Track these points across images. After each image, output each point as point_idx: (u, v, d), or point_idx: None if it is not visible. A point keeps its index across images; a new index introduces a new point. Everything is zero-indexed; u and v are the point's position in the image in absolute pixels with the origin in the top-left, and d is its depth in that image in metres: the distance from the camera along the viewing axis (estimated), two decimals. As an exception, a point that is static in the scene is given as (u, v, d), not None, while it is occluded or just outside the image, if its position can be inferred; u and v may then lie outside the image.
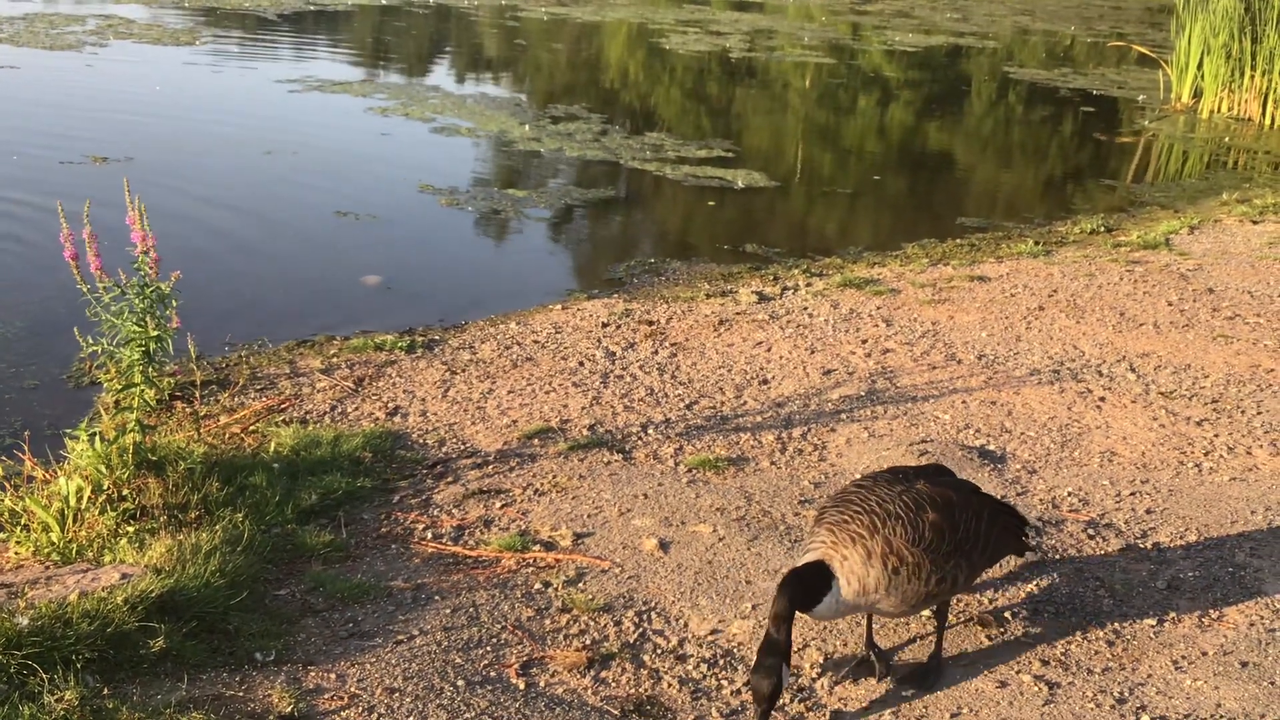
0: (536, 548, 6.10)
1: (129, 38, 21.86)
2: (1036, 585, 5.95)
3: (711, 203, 14.18)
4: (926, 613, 5.40)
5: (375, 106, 17.84)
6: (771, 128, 19.70)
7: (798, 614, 4.64)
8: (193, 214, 11.79)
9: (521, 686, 4.91)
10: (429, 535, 6.21)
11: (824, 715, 4.89)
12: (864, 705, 4.96)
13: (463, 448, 7.28)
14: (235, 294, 9.93)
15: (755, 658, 4.61)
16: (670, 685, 5.02)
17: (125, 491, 5.84)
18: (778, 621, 4.57)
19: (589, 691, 4.93)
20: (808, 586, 4.69)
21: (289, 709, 4.50)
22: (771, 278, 11.21)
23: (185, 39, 22.38)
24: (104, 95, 17.20)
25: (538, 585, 5.75)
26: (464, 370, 8.48)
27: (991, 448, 7.56)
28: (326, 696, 4.65)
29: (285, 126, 16.46)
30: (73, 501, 5.70)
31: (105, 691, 4.37)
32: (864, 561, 4.73)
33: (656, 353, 8.96)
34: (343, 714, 4.53)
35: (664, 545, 6.14)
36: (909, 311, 10.12)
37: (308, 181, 13.72)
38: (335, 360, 8.57)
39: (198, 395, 7.61)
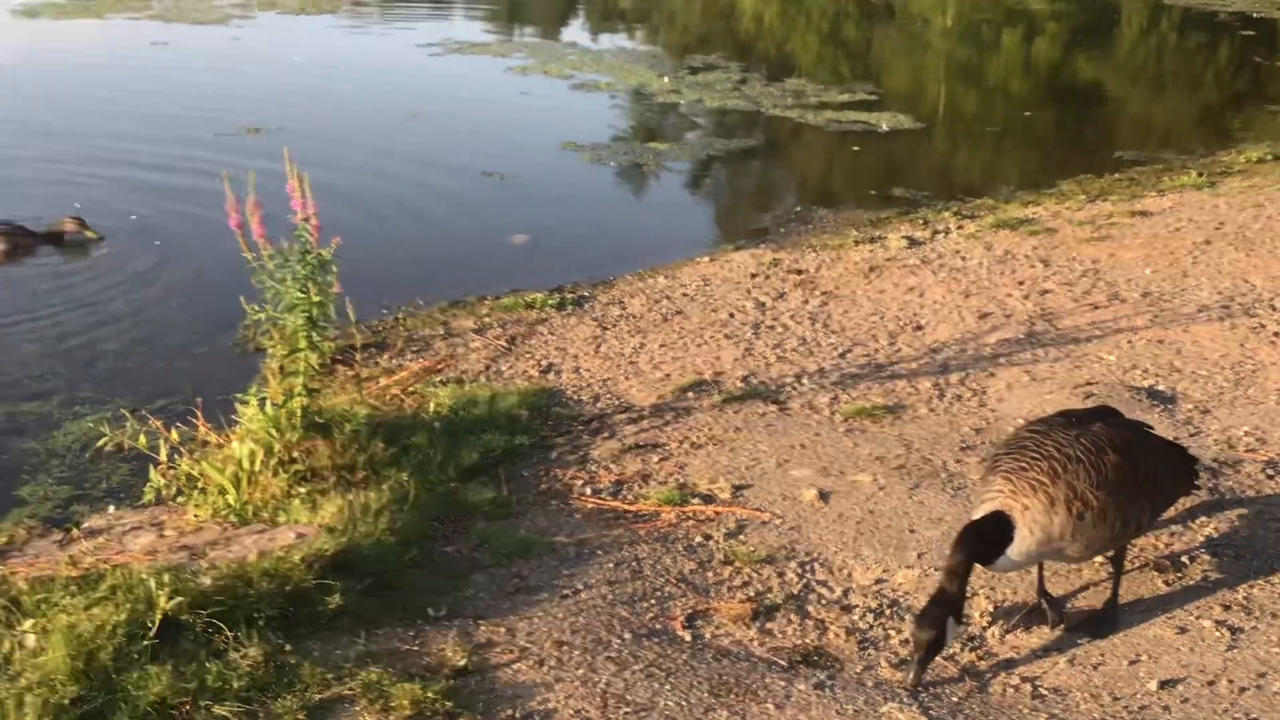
0: (695, 501, 6.10)
1: (273, 8, 22.32)
2: (1214, 528, 5.75)
3: (856, 147, 13.96)
4: (1099, 559, 5.26)
5: (514, 66, 17.94)
6: (913, 68, 19.30)
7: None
8: (344, 181, 12.01)
9: (688, 638, 4.92)
10: (588, 490, 6.26)
11: (996, 663, 4.81)
12: (1037, 653, 4.86)
13: (617, 403, 7.32)
14: (388, 258, 10.10)
15: (922, 608, 4.55)
16: (837, 635, 4.98)
17: (295, 454, 5.99)
18: (952, 575, 4.49)
19: (755, 642, 4.92)
20: (987, 539, 4.59)
21: (463, 662, 4.58)
22: (921, 221, 11.01)
23: (328, 6, 22.78)
24: (253, 67, 17.61)
25: (698, 538, 5.75)
26: (615, 325, 8.51)
27: (1161, 388, 7.32)
28: (498, 650, 4.73)
29: (428, 90, 16.67)
30: (246, 465, 5.87)
31: (287, 648, 4.50)
32: (1047, 509, 4.61)
33: (807, 302, 8.87)
34: (514, 667, 4.60)
35: (824, 495, 6.09)
36: (1067, 250, 9.84)
37: (453, 144, 13.89)
38: (488, 320, 8.67)
39: (358, 358, 7.77)
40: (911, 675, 4.55)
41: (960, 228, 10.65)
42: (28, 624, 4.39)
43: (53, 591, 4.57)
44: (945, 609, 4.48)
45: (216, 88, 16.18)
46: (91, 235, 10.07)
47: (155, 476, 6.04)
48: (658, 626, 5.01)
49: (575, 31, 22.58)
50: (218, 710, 4.12)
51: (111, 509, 6.21)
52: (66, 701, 4.02)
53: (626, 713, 4.32)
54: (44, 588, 4.63)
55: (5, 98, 15.36)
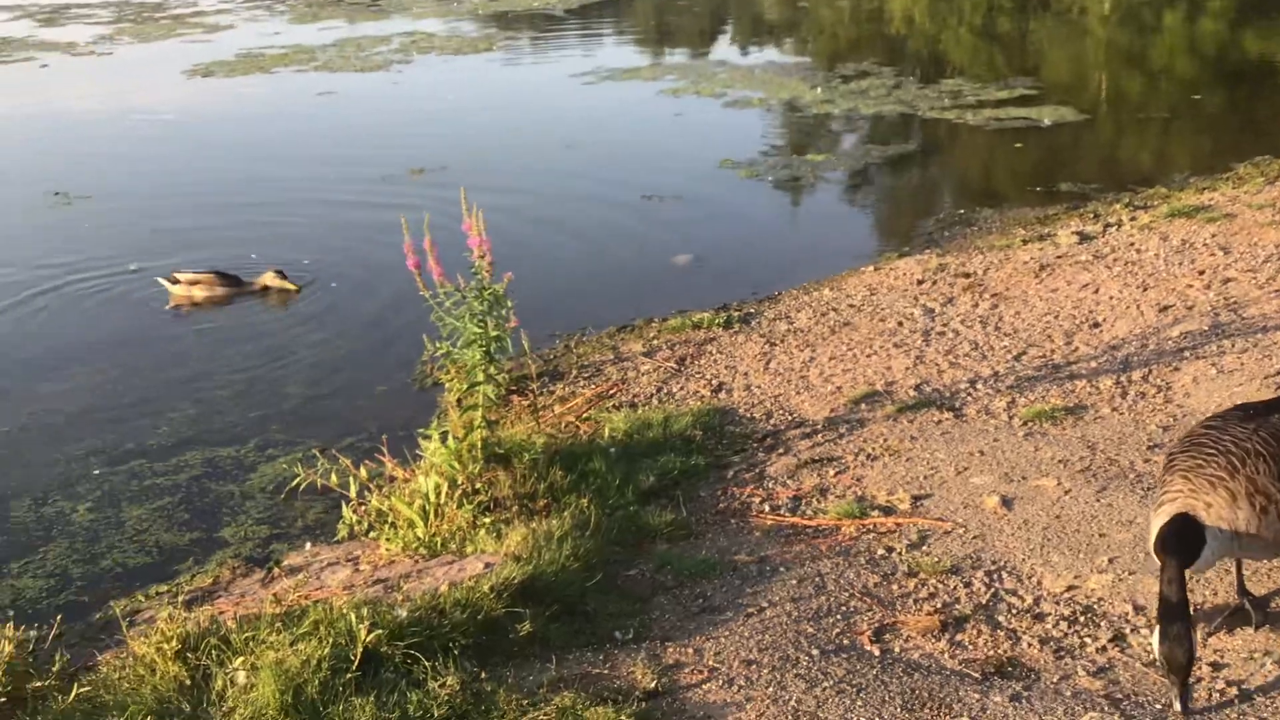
0: (875, 513, 6.06)
1: (431, 50, 22.92)
2: None
3: (1018, 144, 13.69)
4: (1303, 556, 5.05)
5: (666, 88, 18.09)
6: (1073, 58, 18.84)
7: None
8: (507, 214, 12.25)
9: (876, 653, 4.89)
10: (766, 508, 6.27)
11: (1201, 668, 4.66)
12: (1245, 656, 4.69)
13: (790, 418, 7.31)
14: (556, 287, 10.28)
15: (1159, 628, 4.32)
16: (1030, 645, 4.89)
17: (478, 485, 6.14)
18: (1172, 585, 4.32)
19: (945, 655, 4.86)
20: (1186, 541, 4.45)
21: (652, 684, 4.63)
22: (1091, 215, 10.74)
23: (483, 46, 23.29)
24: (413, 109, 18.12)
25: (880, 551, 5.71)
26: (782, 341, 8.50)
27: (1358, 374, 7.01)
28: (686, 671, 4.77)
29: (584, 118, 16.92)
30: (432, 498, 6.04)
31: (482, 675, 4.61)
32: (1229, 504, 4.46)
33: (977, 305, 8.73)
34: (704, 687, 4.64)
35: (1006, 502, 5.98)
36: (1248, 236, 9.49)
37: (611, 169, 14.07)
38: (656, 342, 8.75)
39: (534, 388, 7.93)
40: (1178, 702, 4.32)
41: (1133, 219, 10.36)
42: (238, 661, 4.59)
43: (259, 629, 4.77)
44: (1183, 622, 4.27)
45: (381, 132, 16.70)
46: (291, 288, 10.45)
47: (347, 513, 6.27)
48: (845, 642, 4.99)
49: (724, 49, 22.65)
50: (419, 739, 4.24)
51: (308, 546, 6.45)
52: (278, 734, 4.19)
53: (819, 730, 4.31)
54: (251, 625, 4.83)
55: (181, 151, 16.10)
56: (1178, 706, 4.33)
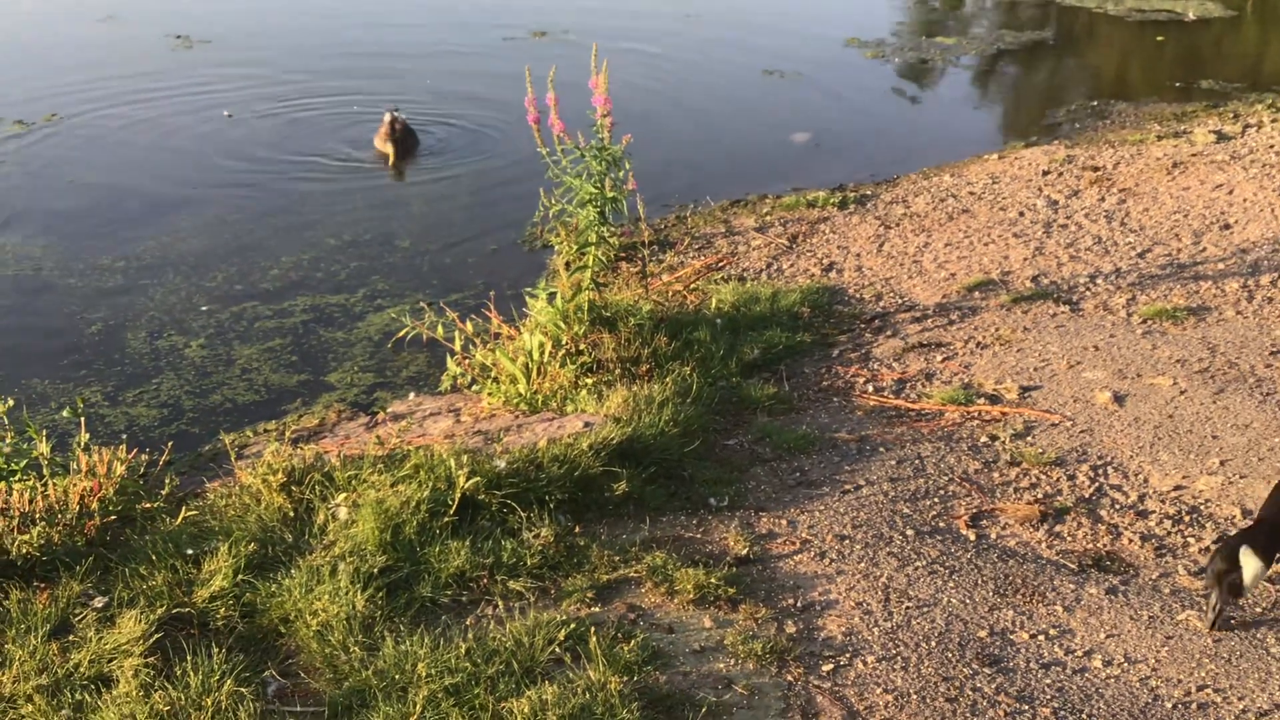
0: (980, 401, 5.96)
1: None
2: None
3: (1159, 38, 13.14)
4: None
5: (797, -39, 17.62)
6: (1225, -49, 17.95)
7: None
8: (627, 82, 12.11)
9: (971, 538, 4.84)
10: (870, 389, 6.20)
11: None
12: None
13: (900, 302, 7.19)
14: (670, 155, 10.16)
15: (1226, 539, 4.21)
16: (1131, 541, 4.80)
17: (581, 346, 6.15)
18: (1270, 505, 4.16)
19: (1043, 544, 4.79)
20: None
21: (744, 551, 4.64)
22: (1231, 115, 10.31)
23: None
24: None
25: (983, 438, 5.63)
26: (898, 225, 8.34)
27: None
28: (779, 541, 4.76)
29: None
30: (535, 356, 6.06)
31: (576, 529, 4.66)
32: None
33: (1103, 200, 8.46)
34: (795, 558, 4.63)
35: (1118, 398, 5.84)
36: (1397, 144, 9.05)
37: (734, 41, 13.80)
38: (768, 218, 8.64)
39: (645, 254, 7.88)
40: (1210, 614, 4.16)
41: (1275, 121, 9.92)
42: (340, 498, 4.68)
43: (362, 469, 4.85)
44: (1250, 541, 4.04)
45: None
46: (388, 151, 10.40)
47: (452, 366, 6.33)
48: (940, 525, 4.94)
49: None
50: (513, 585, 4.30)
51: (411, 395, 6.54)
52: (375, 570, 4.28)
53: (908, 607, 4.29)
54: (354, 465, 4.91)
55: (302, 3, 16.11)
56: (1207, 622, 4.16)
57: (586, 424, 5.33)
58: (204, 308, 7.83)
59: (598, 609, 4.24)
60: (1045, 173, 9.06)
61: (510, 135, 10.64)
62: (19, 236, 9.00)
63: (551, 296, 6.27)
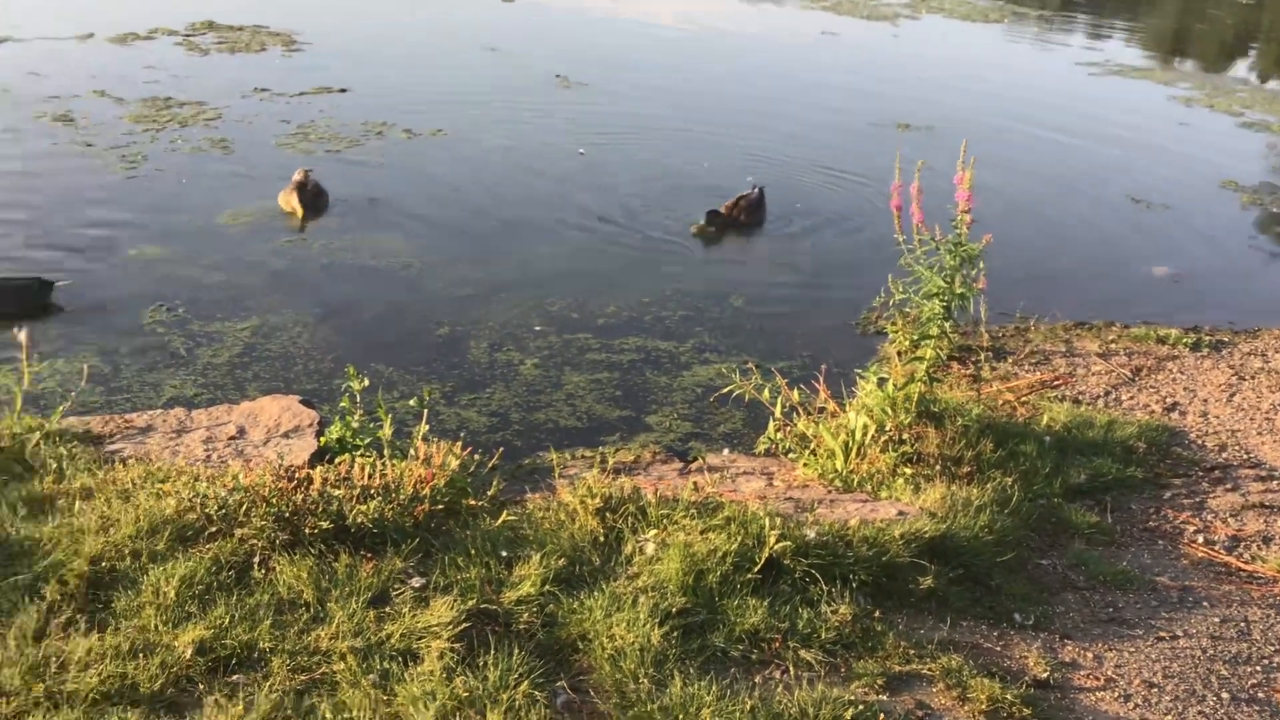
0: (1323, 577, 5.55)
1: (939, 12, 22.59)
2: None
3: None
4: None
5: (1177, 95, 17.06)
6: None
7: None
8: (986, 184, 11.97)
9: (1293, 718, 4.50)
10: (1199, 539, 5.87)
11: None
12: None
13: (1245, 457, 6.80)
14: (1018, 264, 9.96)
15: None
16: None
17: (905, 435, 6.09)
18: None
19: (1374, 743, 4.41)
20: None
21: (1044, 674, 4.47)
22: None
23: (993, 17, 22.72)
24: (910, 65, 17.95)
25: (1320, 616, 5.23)
26: (1253, 378, 7.90)
27: None
28: (1082, 673, 4.56)
29: (1081, 108, 16.21)
30: (857, 436, 6.04)
31: (875, 614, 4.59)
32: None
33: None
34: (1097, 694, 4.42)
35: None
36: None
37: (1106, 162, 13.45)
38: (1113, 346, 8.34)
39: (980, 358, 7.75)
40: None
41: None
42: (650, 533, 4.78)
43: (674, 510, 4.94)
44: None
45: (874, 80, 16.65)
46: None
47: (771, 430, 6.37)
48: (1260, 695, 4.62)
49: (1244, 70, 21.05)
50: (804, 654, 4.27)
51: (726, 451, 6.61)
52: (674, 609, 4.33)
53: (1215, 774, 4.03)
54: (667, 505, 5.01)
55: (674, 61, 16.66)
56: None
57: (900, 513, 5.26)
58: (537, 327, 8.18)
59: (885, 697, 4.16)
60: None
61: (862, 216, 10.69)
62: (400, 235, 9.66)
63: (882, 381, 6.24)
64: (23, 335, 5.81)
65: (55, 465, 5.13)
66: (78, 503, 4.74)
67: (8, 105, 12.42)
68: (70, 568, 4.22)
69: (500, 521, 4.84)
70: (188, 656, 3.85)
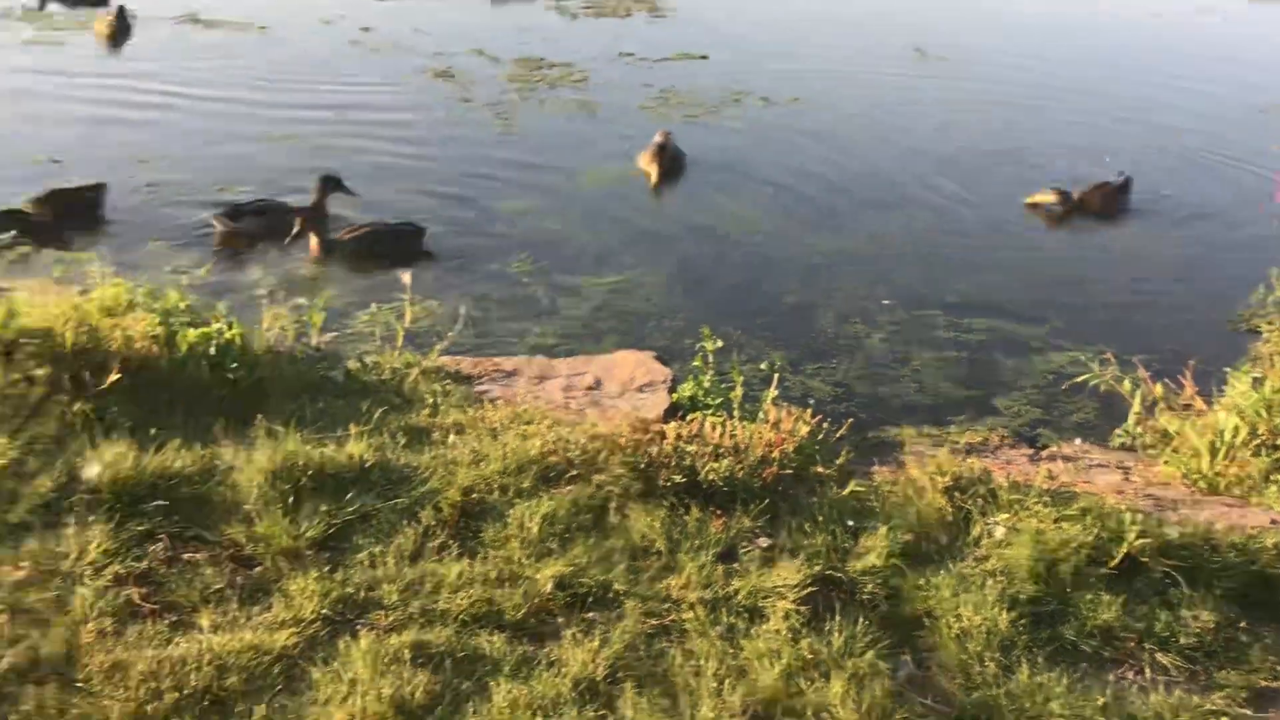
0: None
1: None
2: None
3: None
4: None
5: None
6: None
7: None
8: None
9: None
10: None
11: None
12: None
13: None
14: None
15: None
16: None
17: (1279, 441, 5.71)
18: None
19: None
20: None
21: None
22: None
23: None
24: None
25: None
26: None
27: None
28: None
29: None
30: (1226, 437, 5.71)
31: (1241, 624, 4.34)
32: None
33: None
34: None
35: None
36: None
37: None
38: None
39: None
40: None
41: None
42: (1001, 517, 4.67)
43: (1027, 496, 4.81)
44: None
45: (1255, 68, 15.61)
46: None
47: (1131, 423, 6.12)
48: None
49: None
50: (1160, 657, 4.10)
51: (1078, 441, 6.38)
52: (1023, 596, 4.24)
53: None
54: (1019, 491, 4.88)
55: (1045, 50, 16.08)
56: None
57: (1274, 521, 4.96)
58: (885, 301, 8.10)
59: (1250, 712, 3.94)
60: None
61: (1242, 209, 10.08)
62: (752, 201, 9.80)
63: (1257, 381, 5.87)
64: (406, 276, 6.24)
65: (431, 400, 5.48)
66: (451, 436, 5.06)
67: (398, 59, 13.28)
68: (445, 496, 4.50)
69: (847, 491, 4.84)
70: (548, 590, 4.06)
